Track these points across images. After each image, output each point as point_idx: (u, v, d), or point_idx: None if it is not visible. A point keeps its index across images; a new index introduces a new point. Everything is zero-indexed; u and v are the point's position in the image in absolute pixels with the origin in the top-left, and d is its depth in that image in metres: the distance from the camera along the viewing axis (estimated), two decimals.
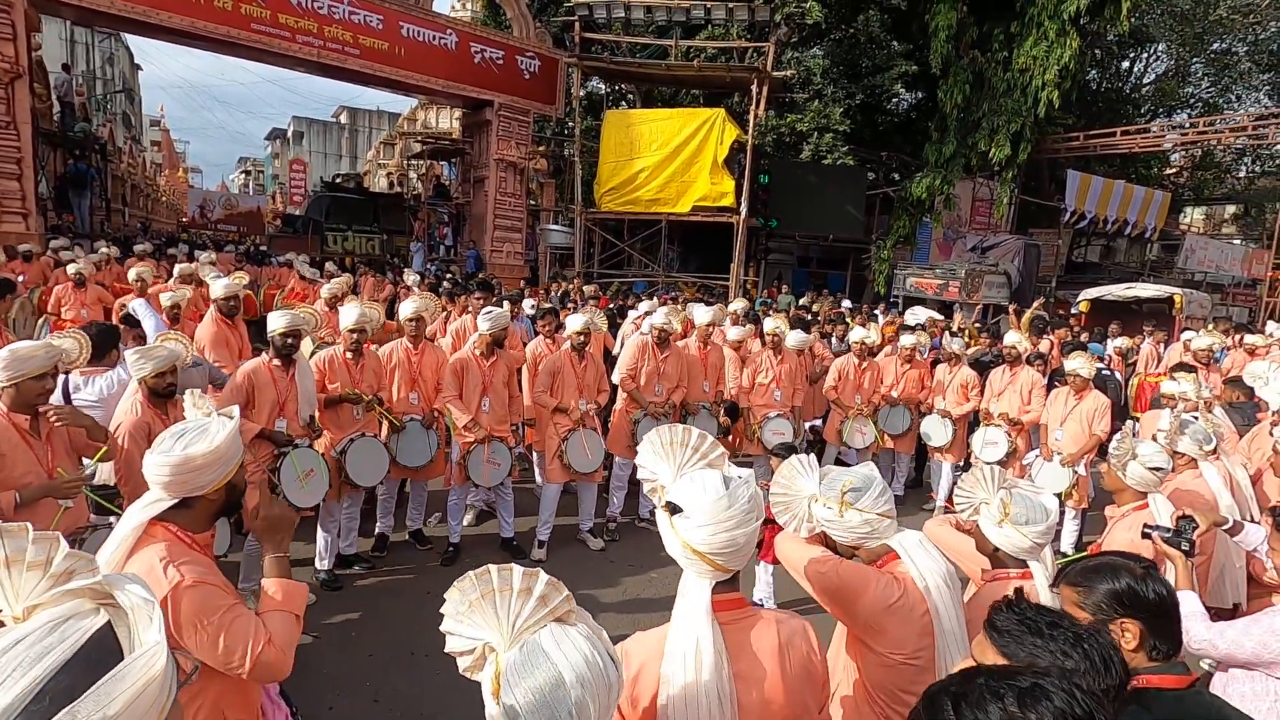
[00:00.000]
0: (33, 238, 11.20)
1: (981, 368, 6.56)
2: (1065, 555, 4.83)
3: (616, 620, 4.26)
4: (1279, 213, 19.43)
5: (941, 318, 12.45)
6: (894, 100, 20.30)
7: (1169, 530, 2.47)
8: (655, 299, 10.22)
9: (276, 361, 3.90)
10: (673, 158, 16.07)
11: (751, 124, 15.68)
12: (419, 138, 25.64)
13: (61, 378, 3.86)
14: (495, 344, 4.79)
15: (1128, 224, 19.22)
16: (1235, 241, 25.81)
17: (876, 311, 12.73)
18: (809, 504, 1.89)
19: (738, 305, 8.34)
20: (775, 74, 15.66)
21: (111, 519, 3.14)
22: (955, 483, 2.53)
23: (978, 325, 10.94)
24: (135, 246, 12.63)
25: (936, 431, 6.16)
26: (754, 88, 15.63)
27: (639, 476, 1.62)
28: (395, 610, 4.14)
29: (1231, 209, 30.73)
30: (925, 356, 6.97)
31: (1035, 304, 10.10)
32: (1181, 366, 6.60)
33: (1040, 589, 1.85)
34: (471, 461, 4.61)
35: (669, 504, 1.44)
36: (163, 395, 3.37)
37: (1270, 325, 10.41)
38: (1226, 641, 2.10)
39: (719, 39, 17.40)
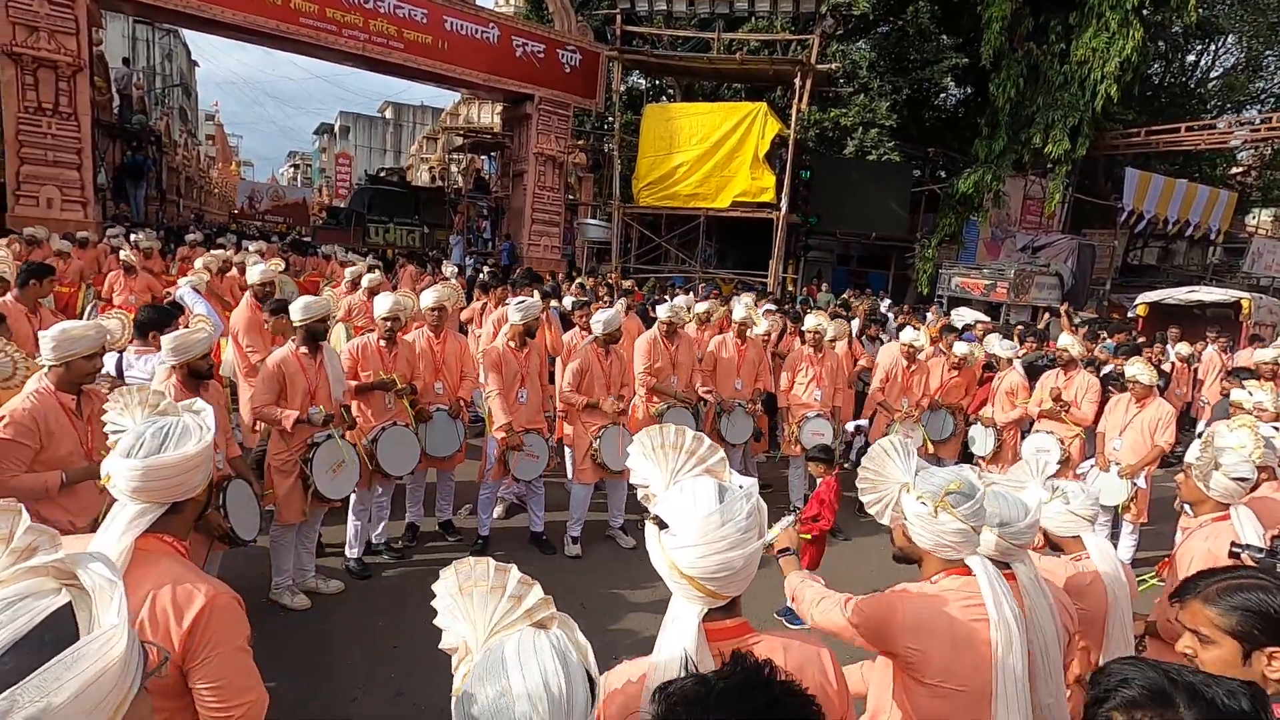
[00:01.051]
0: (90, 226, 11.60)
1: (1035, 372, 6.26)
2: (1144, 578, 4.53)
3: (647, 620, 4.16)
4: None
5: (988, 319, 12.03)
6: (942, 95, 19.75)
7: (1261, 550, 2.26)
8: (691, 294, 10.08)
9: (304, 349, 3.89)
10: (712, 152, 15.86)
11: (794, 118, 15.36)
12: (460, 132, 25.90)
13: (114, 355, 3.94)
14: (528, 334, 4.74)
15: (1189, 225, 18.30)
16: None
17: (929, 313, 12.35)
18: (899, 492, 1.74)
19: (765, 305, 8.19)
20: (820, 67, 15.30)
21: None
22: None
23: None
24: (187, 236, 13.02)
25: (979, 439, 5.91)
26: (797, 81, 15.29)
27: (632, 481, 1.45)
28: (422, 602, 4.09)
29: None
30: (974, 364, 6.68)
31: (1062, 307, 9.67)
32: (1240, 371, 6.21)
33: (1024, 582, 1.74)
34: (511, 456, 4.58)
35: (656, 518, 1.27)
36: (205, 376, 3.37)
37: None
38: None
39: (762, 31, 17.11)
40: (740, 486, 1.28)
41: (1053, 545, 2.38)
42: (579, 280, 11.99)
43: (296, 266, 11.95)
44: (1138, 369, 4.97)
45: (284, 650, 3.58)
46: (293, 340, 3.96)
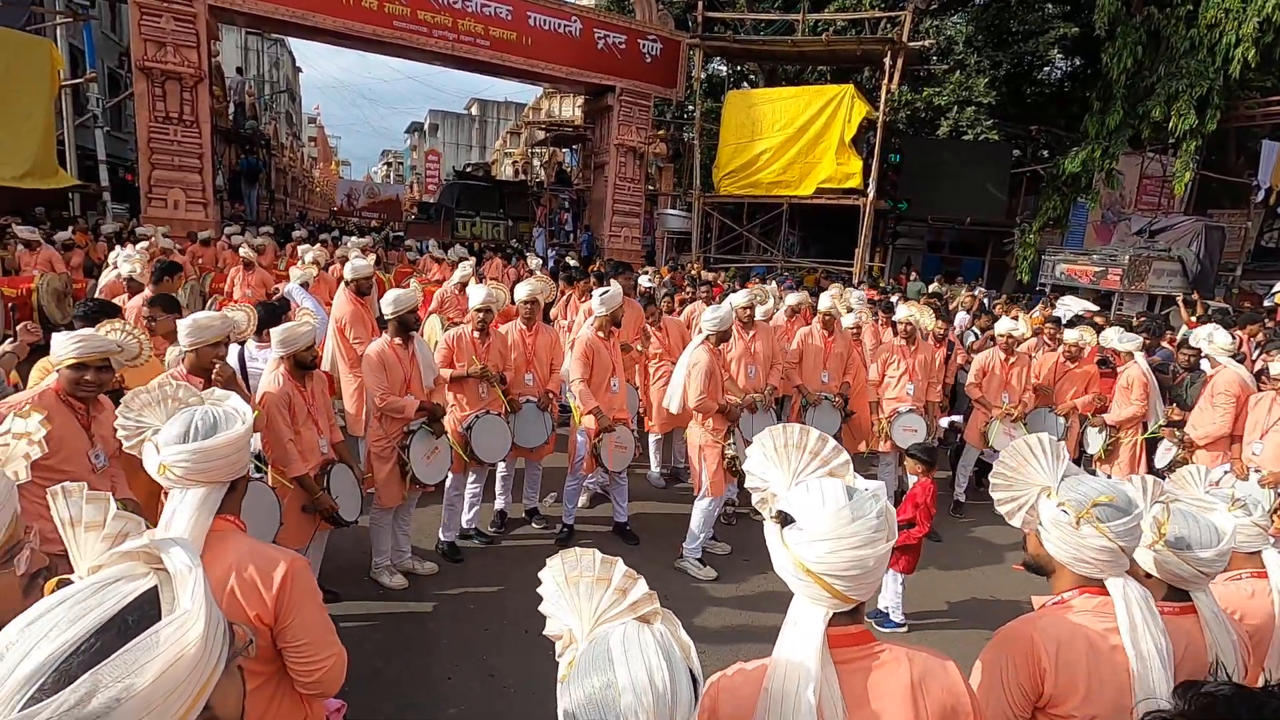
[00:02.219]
0: (210, 225, 12.59)
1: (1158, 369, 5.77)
2: None
3: (730, 616, 4.13)
4: None
5: (1097, 308, 11.16)
6: (1046, 68, 18.40)
7: None
8: (775, 283, 9.86)
9: (398, 340, 4.05)
10: (796, 138, 15.46)
11: (883, 99, 14.74)
12: (543, 126, 26.38)
13: (236, 347, 4.25)
14: (614, 323, 4.75)
15: None
16: None
17: (1037, 301, 11.59)
18: (1039, 496, 1.59)
19: (854, 297, 7.77)
20: (911, 44, 14.59)
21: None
22: None
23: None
24: (294, 233, 13.90)
25: (1092, 439, 5.50)
26: (887, 60, 14.66)
27: (747, 485, 1.41)
28: (510, 586, 4.23)
29: None
30: (1087, 354, 6.21)
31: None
32: None
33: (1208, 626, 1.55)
34: (604, 448, 4.61)
35: (779, 513, 1.23)
36: (309, 366, 3.58)
37: None
38: None
39: (850, 10, 16.47)
40: (866, 488, 1.23)
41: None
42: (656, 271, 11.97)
43: (389, 261, 12.54)
44: (1278, 365, 4.47)
45: (382, 629, 3.78)
46: (386, 333, 4.14)
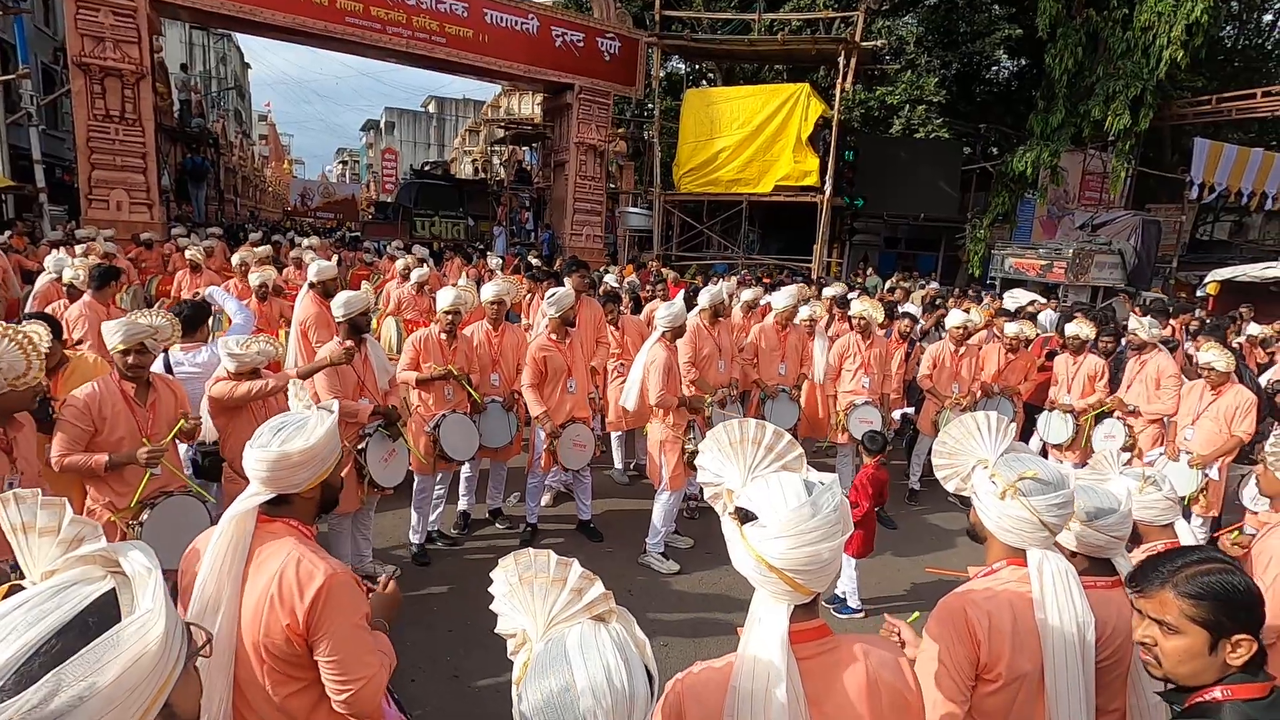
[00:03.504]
0: (156, 226, 12.16)
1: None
2: None
3: (693, 609, 4.19)
4: None
5: (1044, 300, 11.58)
6: (994, 68, 19.00)
7: None
8: (735, 280, 9.98)
9: (349, 343, 4.00)
10: (754, 136, 15.64)
11: (838, 98, 15.02)
12: (502, 124, 26.15)
13: (161, 354, 4.13)
14: (566, 324, 4.76)
15: (1267, 197, 17.22)
16: None
17: (984, 295, 11.96)
18: (975, 468, 1.68)
19: (833, 290, 7.87)
20: (865, 44, 14.90)
21: (199, 487, 3.37)
22: None
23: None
24: (251, 235, 13.51)
25: (1057, 428, 5.69)
26: (841, 60, 14.94)
27: (699, 480, 1.42)
28: (475, 588, 4.19)
29: None
30: (1031, 346, 6.44)
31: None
32: None
33: None
34: (561, 446, 4.62)
35: (739, 510, 1.24)
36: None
37: None
38: None
39: (804, 10, 16.73)
40: (821, 482, 1.25)
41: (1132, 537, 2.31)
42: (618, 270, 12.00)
43: (346, 262, 12.30)
44: (1213, 354, 4.71)
45: None
46: (338, 335, 4.08)
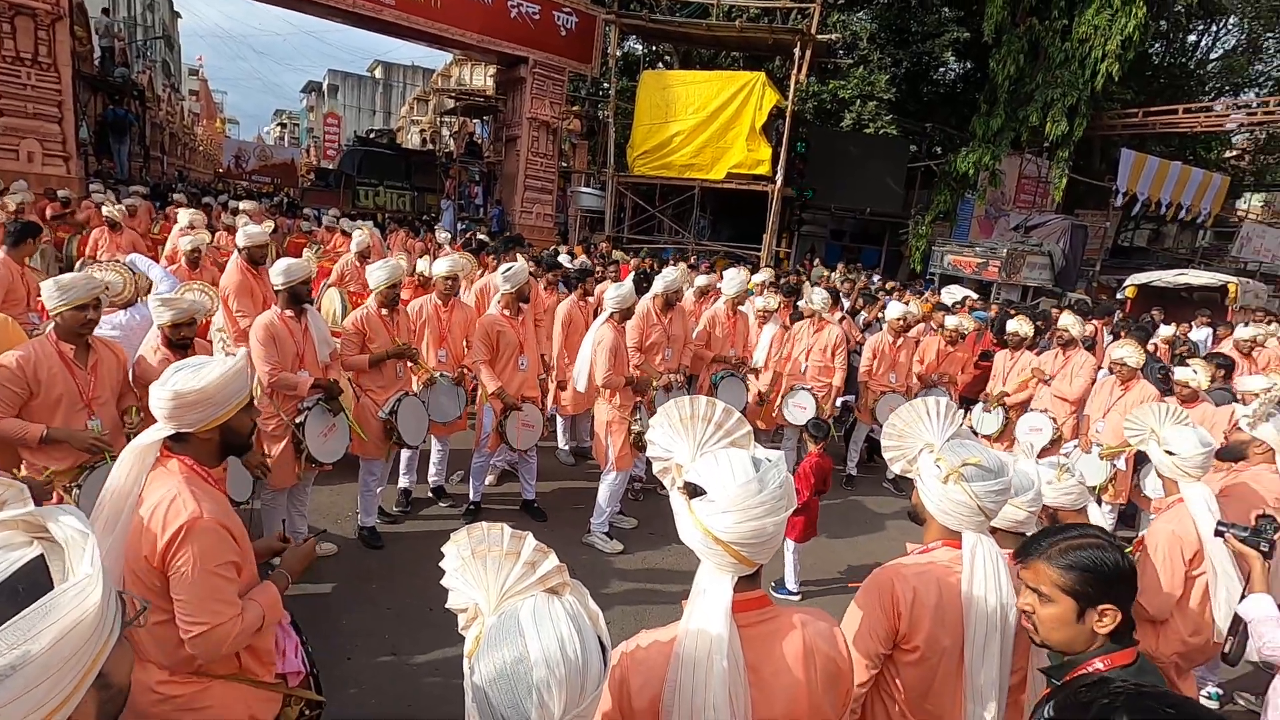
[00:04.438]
0: (73, 182, 11.35)
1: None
2: None
3: (635, 586, 4.25)
4: None
5: (977, 296, 12.08)
6: (942, 69, 19.54)
7: (1246, 529, 2.33)
8: (679, 265, 10.02)
9: (289, 312, 3.86)
10: (709, 122, 15.68)
11: (792, 89, 15.18)
12: (453, 94, 25.38)
13: (122, 315, 3.92)
14: (520, 299, 4.71)
15: (1182, 208, 18.37)
16: None
17: (925, 289, 12.40)
18: (921, 451, 1.75)
19: (761, 276, 8.16)
20: (820, 37, 15.08)
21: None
22: None
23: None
24: (173, 195, 12.77)
25: (986, 420, 5.96)
26: (796, 51, 15.08)
27: (649, 455, 1.45)
28: (415, 566, 4.16)
29: None
30: (966, 340, 6.72)
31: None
32: (1215, 356, 6.31)
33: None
34: (509, 426, 4.57)
35: (688, 485, 1.27)
36: (178, 346, 3.37)
37: None
38: None
39: None
40: (768, 458, 1.28)
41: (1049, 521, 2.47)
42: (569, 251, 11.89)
43: (283, 229, 11.78)
44: (1126, 350, 5.02)
45: None
46: (276, 305, 3.92)
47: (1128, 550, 2.91)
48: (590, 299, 6.04)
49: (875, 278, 14.30)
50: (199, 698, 1.80)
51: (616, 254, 12.16)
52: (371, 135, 25.97)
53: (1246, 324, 8.53)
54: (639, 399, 4.69)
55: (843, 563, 4.98)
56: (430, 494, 5.12)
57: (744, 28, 15.71)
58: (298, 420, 3.81)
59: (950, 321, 6.36)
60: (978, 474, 1.64)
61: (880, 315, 7.63)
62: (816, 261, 16.52)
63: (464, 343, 4.84)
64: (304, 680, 2.10)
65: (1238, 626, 2.32)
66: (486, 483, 5.23)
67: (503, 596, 0.97)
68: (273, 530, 3.97)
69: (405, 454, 4.89)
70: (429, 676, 3.29)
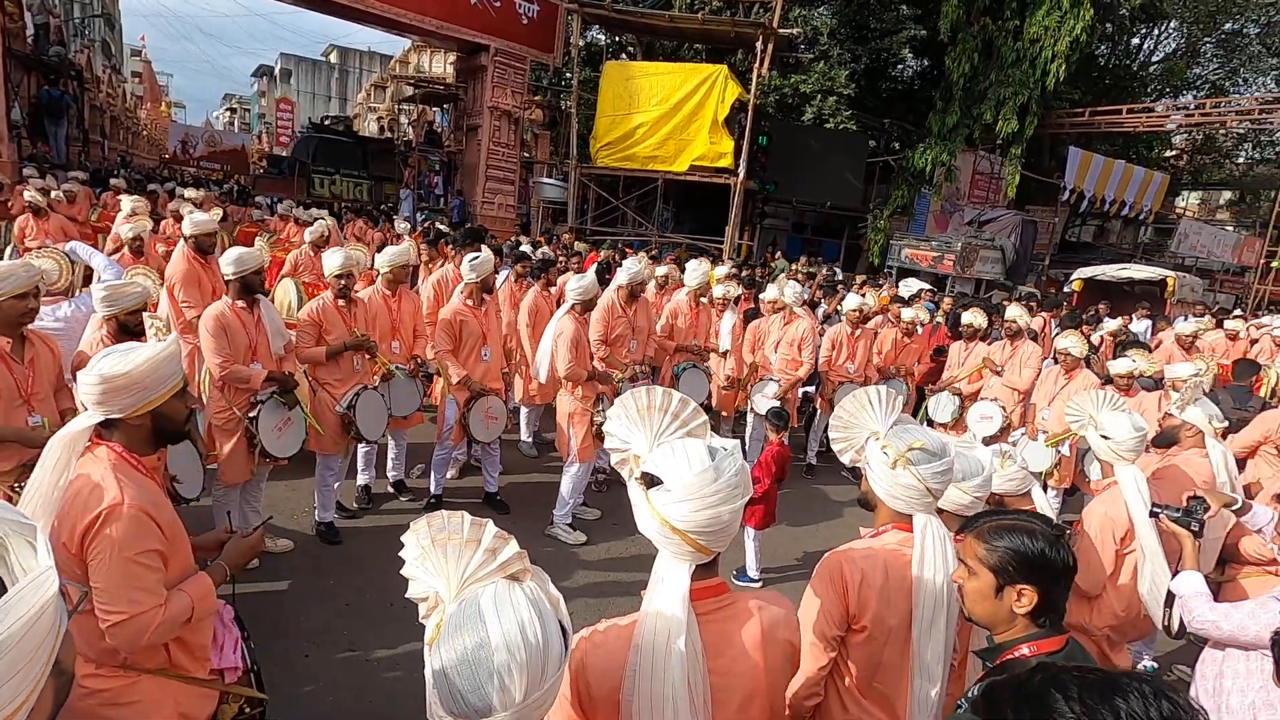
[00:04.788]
0: (5, 166, 10.79)
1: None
2: None
3: (598, 577, 4.26)
4: (1275, 200, 19.40)
5: (933, 289, 12.39)
6: (900, 66, 19.89)
7: (1178, 510, 2.45)
8: (640, 256, 10.03)
9: (240, 303, 3.75)
10: (672, 114, 15.68)
11: (754, 83, 15.28)
12: (411, 81, 24.85)
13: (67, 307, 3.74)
14: (485, 290, 4.65)
15: (1125, 205, 19.13)
16: (1229, 228, 25.84)
17: (881, 282, 12.64)
18: (868, 439, 1.80)
19: (723, 269, 8.25)
20: (781, 31, 15.19)
21: None
22: None
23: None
24: (112, 180, 12.22)
25: (941, 409, 6.13)
26: (758, 44, 15.18)
27: (607, 446, 1.45)
28: (374, 561, 4.11)
29: (1228, 195, 30.74)
30: (922, 331, 6.91)
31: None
32: (1133, 345, 6.62)
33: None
34: (472, 418, 4.52)
35: (645, 475, 1.28)
36: (134, 332, 3.25)
37: (1266, 318, 10.45)
38: (1232, 624, 2.11)
39: None
40: (724, 447, 1.29)
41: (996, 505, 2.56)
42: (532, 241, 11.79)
43: (234, 218, 11.40)
44: (1069, 342, 5.22)
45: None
46: (227, 295, 3.80)
47: (1068, 532, 3.05)
48: (553, 289, 6.02)
49: (837, 271, 14.54)
50: (125, 692, 1.75)
51: (579, 245, 12.10)
52: (327, 122, 25.18)
53: (1186, 318, 8.95)
54: (602, 390, 4.69)
55: (801, 549, 5.07)
56: (390, 489, 5.04)
57: (706, 20, 15.74)
58: (251, 415, 3.71)
59: (906, 314, 6.52)
60: (923, 457, 1.69)
61: (839, 307, 7.78)
62: (779, 254, 16.71)
63: (414, 332, 4.77)
64: (243, 677, 2.05)
65: (1172, 601, 2.45)
66: (448, 476, 5.18)
67: (463, 584, 0.97)
68: (221, 527, 3.87)
69: (362, 449, 4.80)
70: (389, 672, 3.25)
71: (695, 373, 5.80)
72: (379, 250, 4.99)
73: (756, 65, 15.31)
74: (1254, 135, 24.63)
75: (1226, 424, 3.32)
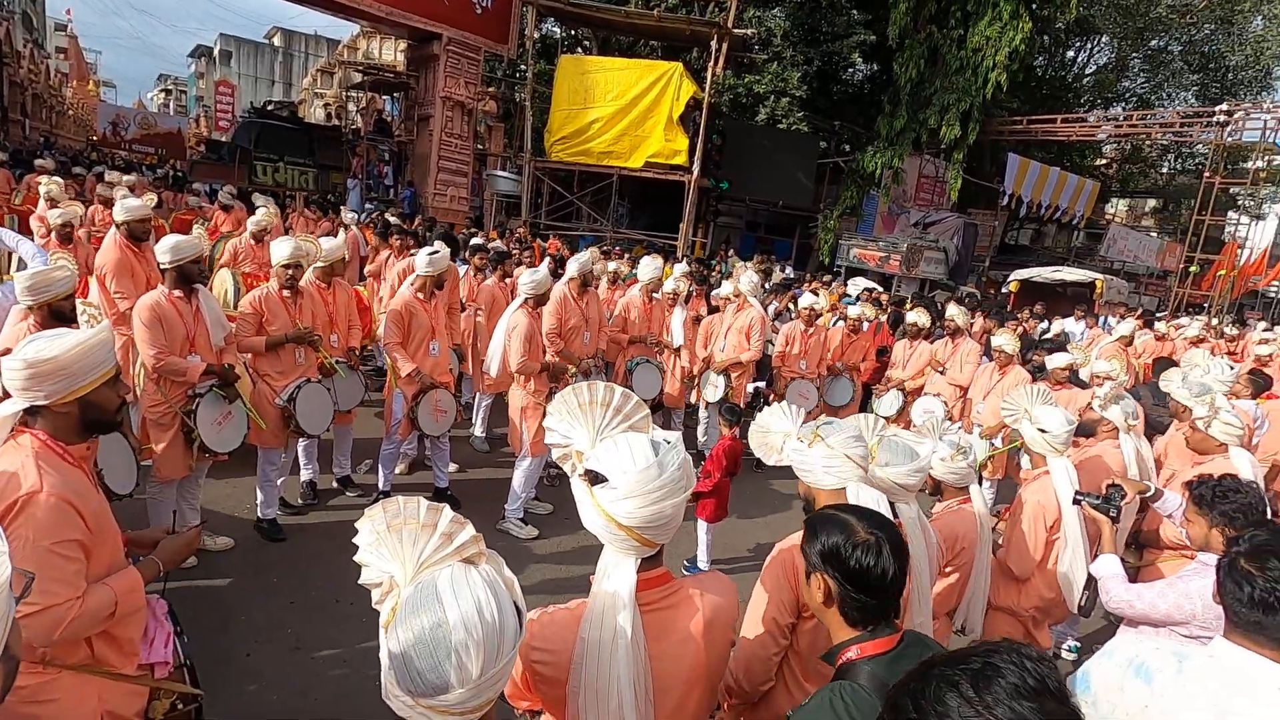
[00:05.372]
0: None
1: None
2: None
3: (550, 569, 4.27)
4: (1194, 209, 20.63)
5: (880, 289, 12.76)
6: (850, 70, 20.31)
7: (1098, 497, 2.62)
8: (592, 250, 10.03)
9: (177, 293, 3.61)
10: (627, 110, 15.68)
11: (709, 81, 15.41)
12: (360, 68, 24.11)
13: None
14: (437, 285, 4.60)
15: (1059, 210, 20.05)
16: (1153, 234, 27.34)
17: (833, 281, 12.93)
18: (783, 440, 1.96)
19: (681, 267, 8.30)
20: (736, 31, 15.36)
21: None
22: None
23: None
24: (36, 161, 11.54)
25: (887, 404, 6.32)
26: (713, 44, 15.31)
27: (547, 441, 1.44)
28: (320, 558, 4.02)
29: (1152, 203, 32.48)
30: (868, 328, 7.11)
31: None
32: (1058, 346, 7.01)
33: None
34: (421, 411, 4.46)
35: (589, 472, 1.28)
36: (67, 319, 3.10)
37: (1184, 320, 11.12)
38: (1144, 603, 2.26)
39: None
40: (666, 441, 1.31)
41: (932, 491, 2.69)
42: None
43: (169, 204, 10.91)
44: (1004, 339, 5.47)
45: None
46: (162, 285, 3.65)
47: (996, 524, 3.22)
48: (509, 280, 5.98)
49: (789, 269, 14.82)
50: (45, 689, 1.69)
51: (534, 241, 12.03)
52: (271, 107, 24.27)
53: (1118, 318, 9.43)
54: (554, 384, 4.69)
55: (753, 541, 5.18)
56: (336, 484, 4.93)
57: (662, 17, 15.80)
58: (189, 408, 3.57)
59: (853, 310, 6.71)
60: (831, 430, 1.84)
61: (790, 305, 7.95)
62: (732, 251, 16.92)
63: (349, 324, 4.69)
64: (175, 672, 2.00)
65: (1091, 583, 2.61)
66: (397, 471, 5.10)
67: (419, 567, 0.98)
68: (161, 525, 3.73)
69: (303, 444, 4.68)
70: (334, 669, 3.20)
71: (648, 367, 5.84)
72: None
73: (711, 64, 15.44)
74: (1176, 147, 26.09)
75: (1140, 420, 3.55)
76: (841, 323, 7.02)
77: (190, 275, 3.64)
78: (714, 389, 6.02)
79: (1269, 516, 2.33)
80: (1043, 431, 2.89)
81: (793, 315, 6.91)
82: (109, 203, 7.81)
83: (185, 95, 60.79)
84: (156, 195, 9.52)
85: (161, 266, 3.61)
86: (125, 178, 10.12)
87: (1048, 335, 8.52)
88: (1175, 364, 6.93)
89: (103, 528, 1.76)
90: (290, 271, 4.12)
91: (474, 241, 8.37)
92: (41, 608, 1.58)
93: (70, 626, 1.63)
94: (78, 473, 1.75)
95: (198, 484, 3.92)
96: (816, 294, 6.96)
